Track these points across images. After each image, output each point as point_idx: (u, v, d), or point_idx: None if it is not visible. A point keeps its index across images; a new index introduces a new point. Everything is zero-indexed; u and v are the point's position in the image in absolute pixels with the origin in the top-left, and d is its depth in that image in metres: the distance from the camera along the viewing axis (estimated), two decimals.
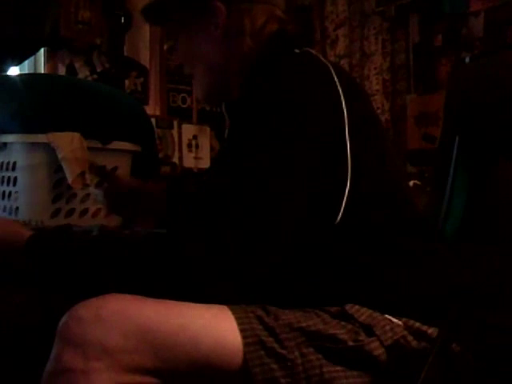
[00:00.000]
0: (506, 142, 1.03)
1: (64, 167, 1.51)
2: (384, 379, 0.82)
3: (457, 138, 1.08)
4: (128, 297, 0.81)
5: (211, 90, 1.07)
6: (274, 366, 0.78)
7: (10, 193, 1.57)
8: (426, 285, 0.90)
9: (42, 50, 2.46)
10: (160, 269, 0.82)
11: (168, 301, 0.82)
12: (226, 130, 1.03)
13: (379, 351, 0.81)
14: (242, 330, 0.79)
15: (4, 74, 2.09)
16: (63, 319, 0.79)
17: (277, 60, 0.93)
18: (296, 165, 0.84)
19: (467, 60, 1.69)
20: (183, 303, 0.82)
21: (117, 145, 1.67)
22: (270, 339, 0.79)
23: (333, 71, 0.91)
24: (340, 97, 0.89)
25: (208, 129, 3.04)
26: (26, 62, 2.39)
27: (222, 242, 0.80)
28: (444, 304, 0.85)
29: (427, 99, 2.89)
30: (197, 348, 0.78)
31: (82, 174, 1.51)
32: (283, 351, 0.79)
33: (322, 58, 0.94)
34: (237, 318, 0.80)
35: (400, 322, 0.85)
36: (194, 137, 3.00)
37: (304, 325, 0.81)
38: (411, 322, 0.86)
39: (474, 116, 1.08)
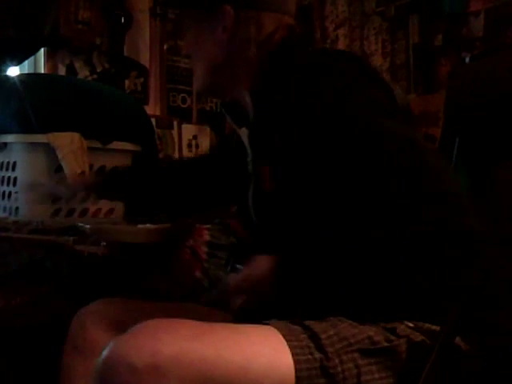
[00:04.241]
0: (506, 142, 1.03)
1: (64, 167, 1.51)
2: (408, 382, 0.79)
3: (457, 138, 1.08)
4: (185, 333, 0.74)
5: (206, 86, 1.12)
6: (321, 381, 0.75)
7: (9, 193, 1.57)
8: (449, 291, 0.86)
9: (42, 50, 2.46)
10: None
11: (227, 332, 0.78)
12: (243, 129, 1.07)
13: (406, 354, 0.79)
14: (294, 354, 0.76)
15: (4, 73, 2.09)
16: (107, 362, 0.72)
17: (296, 57, 0.97)
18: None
19: (467, 60, 1.69)
20: (241, 335, 0.78)
21: (117, 145, 1.68)
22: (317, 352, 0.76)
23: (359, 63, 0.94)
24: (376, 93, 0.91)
25: (208, 129, 3.03)
26: (26, 61, 2.39)
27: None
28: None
29: (427, 99, 2.89)
30: None
31: (82, 174, 1.51)
32: (324, 358, 0.76)
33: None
34: (291, 347, 0.77)
35: (412, 325, 0.84)
36: (194, 137, 3.00)
37: (337, 331, 0.79)
38: (420, 323, 0.84)
39: (474, 116, 1.08)
